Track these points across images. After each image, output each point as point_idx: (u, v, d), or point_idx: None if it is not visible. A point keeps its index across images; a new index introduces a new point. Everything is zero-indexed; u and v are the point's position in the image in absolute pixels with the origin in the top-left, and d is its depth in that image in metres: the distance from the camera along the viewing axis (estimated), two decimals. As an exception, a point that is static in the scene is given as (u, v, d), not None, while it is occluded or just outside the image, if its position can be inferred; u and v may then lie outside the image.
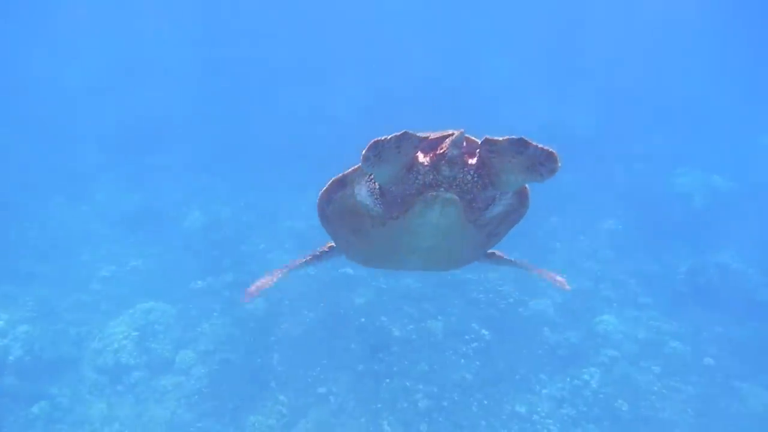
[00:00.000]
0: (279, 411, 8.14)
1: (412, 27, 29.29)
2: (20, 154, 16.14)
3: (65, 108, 19.41)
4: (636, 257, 12.36)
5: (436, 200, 2.21)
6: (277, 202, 14.15)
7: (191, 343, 9.34)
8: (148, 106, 19.32)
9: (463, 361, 8.99)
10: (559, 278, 3.37)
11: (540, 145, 1.96)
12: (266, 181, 15.35)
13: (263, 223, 13.29)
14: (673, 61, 26.73)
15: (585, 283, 11.26)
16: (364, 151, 1.98)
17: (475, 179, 2.22)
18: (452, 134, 2.09)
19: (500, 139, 2.02)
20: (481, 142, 2.09)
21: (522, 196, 2.46)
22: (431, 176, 2.20)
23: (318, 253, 3.32)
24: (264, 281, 3.27)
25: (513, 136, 1.99)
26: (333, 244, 3.23)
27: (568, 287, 3.35)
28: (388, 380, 8.58)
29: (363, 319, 9.72)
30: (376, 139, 1.96)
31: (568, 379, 8.84)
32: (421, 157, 2.20)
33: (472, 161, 2.20)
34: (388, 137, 1.96)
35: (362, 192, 2.42)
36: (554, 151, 1.96)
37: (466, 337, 9.43)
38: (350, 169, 2.40)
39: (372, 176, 2.35)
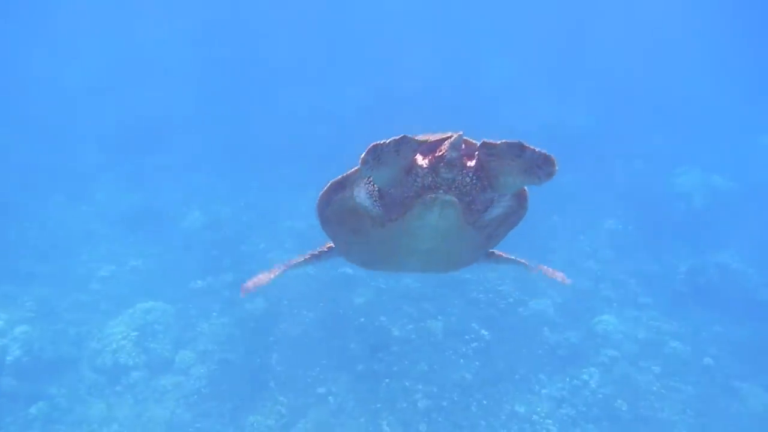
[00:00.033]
0: (278, 411, 8.14)
1: (412, 27, 29.24)
2: (20, 154, 16.14)
3: (65, 108, 19.38)
4: (636, 257, 12.36)
5: (435, 202, 2.21)
6: (277, 202, 14.13)
7: (190, 343, 9.35)
8: (148, 106, 19.29)
9: (462, 361, 8.99)
10: (558, 273, 3.39)
11: (537, 149, 1.97)
12: (266, 181, 15.35)
13: (263, 223, 13.28)
14: (673, 60, 26.70)
15: (585, 283, 11.26)
16: (363, 155, 1.97)
17: (474, 181, 2.21)
18: (451, 136, 2.08)
19: (498, 142, 2.02)
20: (479, 145, 2.09)
21: (521, 198, 2.46)
22: (430, 178, 2.19)
23: (317, 253, 3.32)
24: (262, 277, 3.26)
25: (511, 140, 1.99)
26: (332, 244, 3.23)
27: (568, 281, 3.37)
28: (387, 380, 8.58)
29: (362, 319, 9.72)
30: (375, 143, 1.95)
31: (568, 379, 8.84)
32: (420, 160, 2.20)
33: (471, 163, 2.19)
34: (387, 141, 1.95)
35: (361, 194, 2.42)
36: (551, 155, 1.96)
37: (466, 337, 9.42)
38: (349, 171, 2.40)
39: (371, 179, 2.35)
